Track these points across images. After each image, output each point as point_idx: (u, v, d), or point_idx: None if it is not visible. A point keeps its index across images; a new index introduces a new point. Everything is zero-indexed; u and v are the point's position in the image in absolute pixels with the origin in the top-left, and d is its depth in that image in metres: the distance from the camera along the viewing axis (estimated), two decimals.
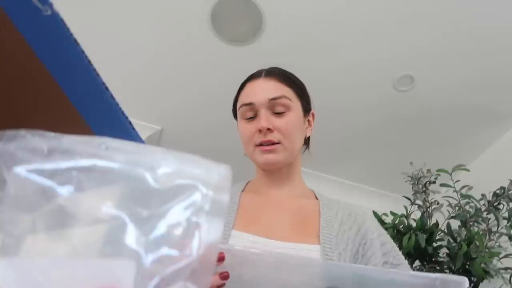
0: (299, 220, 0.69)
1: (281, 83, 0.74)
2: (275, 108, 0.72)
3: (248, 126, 0.74)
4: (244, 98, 0.75)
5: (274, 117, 0.72)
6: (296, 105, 0.74)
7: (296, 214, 0.71)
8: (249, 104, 0.73)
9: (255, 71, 0.79)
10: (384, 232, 0.73)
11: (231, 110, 0.82)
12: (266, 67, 0.80)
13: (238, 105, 0.77)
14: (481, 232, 1.70)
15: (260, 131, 0.71)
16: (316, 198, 0.77)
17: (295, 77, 0.79)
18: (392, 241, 0.72)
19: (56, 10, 0.23)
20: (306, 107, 0.78)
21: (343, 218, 0.70)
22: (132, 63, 1.94)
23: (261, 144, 0.71)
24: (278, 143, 0.71)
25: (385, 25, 1.68)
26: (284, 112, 0.72)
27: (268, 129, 0.70)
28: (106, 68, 1.84)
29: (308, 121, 0.80)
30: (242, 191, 0.78)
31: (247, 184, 0.82)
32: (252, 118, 0.74)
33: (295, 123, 0.73)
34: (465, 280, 0.36)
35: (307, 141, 0.82)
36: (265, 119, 0.70)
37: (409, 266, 0.69)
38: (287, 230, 0.67)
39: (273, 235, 0.64)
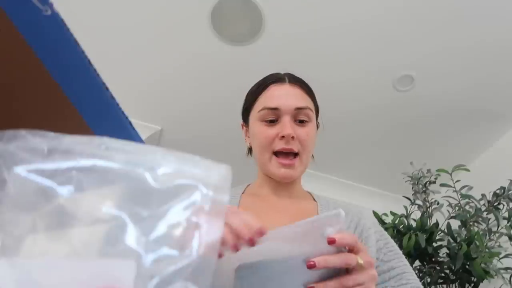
0: None
1: (305, 93, 0.75)
2: (298, 116, 0.72)
3: (267, 130, 0.72)
4: (268, 102, 0.73)
5: (296, 125, 0.72)
6: (314, 117, 0.76)
7: (295, 217, 0.70)
8: (274, 109, 0.71)
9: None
10: (381, 229, 0.73)
11: (241, 112, 0.81)
12: (282, 72, 0.79)
13: (259, 107, 0.74)
14: (481, 232, 1.70)
15: (282, 137, 0.70)
16: (314, 200, 0.77)
17: (311, 89, 0.79)
18: (388, 238, 0.71)
19: (56, 10, 0.23)
20: (317, 119, 0.79)
21: None
22: (132, 63, 1.94)
23: (280, 152, 0.71)
24: (297, 154, 0.71)
25: (385, 25, 1.68)
26: (306, 122, 0.73)
27: (292, 137, 0.70)
28: (107, 68, 1.84)
29: None
30: (243, 193, 0.78)
31: (246, 187, 0.82)
32: (272, 122, 0.72)
33: (313, 134, 0.74)
34: (340, 211, 0.36)
35: None
36: (290, 126, 0.70)
37: (405, 261, 0.68)
38: None
39: None
